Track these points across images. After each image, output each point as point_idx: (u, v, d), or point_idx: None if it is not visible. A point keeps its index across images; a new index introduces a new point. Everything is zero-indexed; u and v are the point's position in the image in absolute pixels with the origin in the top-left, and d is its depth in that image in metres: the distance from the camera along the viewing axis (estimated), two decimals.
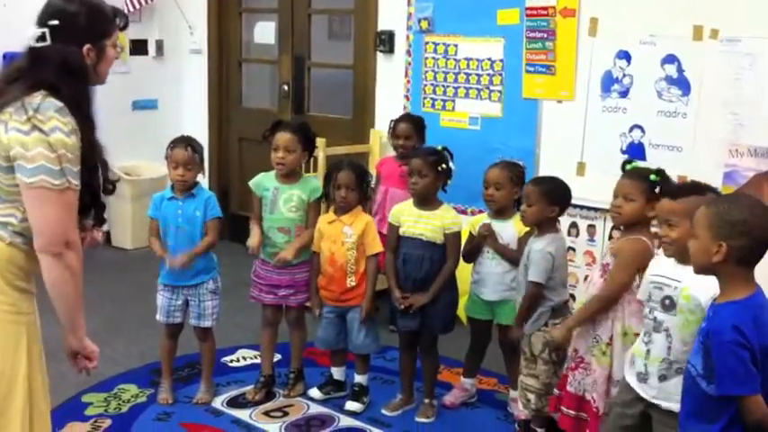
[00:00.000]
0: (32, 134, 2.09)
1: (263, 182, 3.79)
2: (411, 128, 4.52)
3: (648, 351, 2.57)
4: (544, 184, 3.33)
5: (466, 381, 3.81)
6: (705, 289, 2.38)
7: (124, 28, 2.31)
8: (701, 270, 2.21)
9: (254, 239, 3.70)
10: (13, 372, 2.18)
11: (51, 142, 2.08)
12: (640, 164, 3.25)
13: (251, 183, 3.83)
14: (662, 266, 2.61)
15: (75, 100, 2.17)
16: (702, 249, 2.14)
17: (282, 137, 3.69)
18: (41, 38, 2.18)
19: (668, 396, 2.52)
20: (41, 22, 2.19)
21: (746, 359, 2.04)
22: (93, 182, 2.24)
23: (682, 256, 2.50)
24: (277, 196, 3.72)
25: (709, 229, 2.11)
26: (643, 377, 2.60)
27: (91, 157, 2.21)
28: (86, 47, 2.20)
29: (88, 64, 2.22)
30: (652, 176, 2.91)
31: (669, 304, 2.52)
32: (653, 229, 2.89)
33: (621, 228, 3.11)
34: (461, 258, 3.64)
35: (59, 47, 2.18)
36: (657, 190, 2.84)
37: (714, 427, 2.12)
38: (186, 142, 3.64)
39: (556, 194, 3.29)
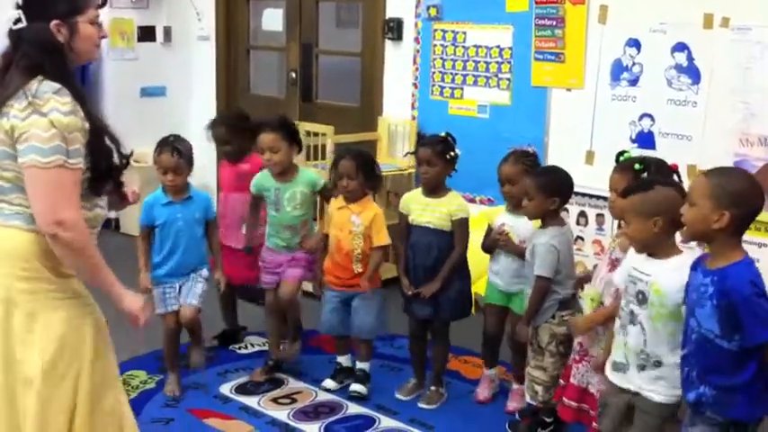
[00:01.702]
0: (30, 118, 2.12)
1: (263, 182, 3.78)
2: (224, 131, 4.13)
3: (626, 343, 2.62)
4: (541, 177, 3.28)
5: (489, 372, 3.76)
6: (672, 282, 2.48)
7: (102, 5, 2.31)
8: (695, 236, 2.37)
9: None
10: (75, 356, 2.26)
11: (46, 122, 2.10)
12: (635, 153, 3.23)
13: (251, 188, 3.82)
14: (636, 260, 2.64)
15: (62, 77, 2.18)
16: (701, 217, 2.27)
17: (264, 138, 3.67)
18: (18, 20, 2.21)
19: (646, 385, 2.58)
20: (17, 4, 2.22)
21: (767, 307, 2.23)
22: (103, 149, 2.25)
23: (642, 250, 2.59)
24: (279, 196, 3.72)
25: (711, 198, 2.26)
26: (622, 367, 2.64)
27: (94, 129, 2.21)
28: (54, 23, 2.20)
29: (60, 41, 2.22)
30: (636, 166, 2.89)
31: (642, 298, 2.57)
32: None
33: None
34: (480, 249, 3.63)
35: (32, 26, 2.20)
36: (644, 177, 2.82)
37: (740, 378, 2.29)
38: (172, 146, 3.58)
39: (554, 186, 3.24)
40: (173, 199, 3.62)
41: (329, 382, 3.80)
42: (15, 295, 2.20)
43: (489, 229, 3.59)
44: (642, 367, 2.58)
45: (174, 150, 3.57)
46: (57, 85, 2.15)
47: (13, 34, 2.22)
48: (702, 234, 2.32)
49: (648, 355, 2.56)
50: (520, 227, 3.46)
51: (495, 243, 3.52)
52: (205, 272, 3.72)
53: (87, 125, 2.19)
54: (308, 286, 4.06)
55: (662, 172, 2.87)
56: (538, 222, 3.36)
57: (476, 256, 3.69)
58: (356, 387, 3.71)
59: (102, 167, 2.26)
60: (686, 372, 2.41)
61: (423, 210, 3.57)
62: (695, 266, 2.41)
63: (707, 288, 2.29)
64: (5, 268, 2.20)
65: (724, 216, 2.23)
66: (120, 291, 2.31)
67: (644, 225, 2.53)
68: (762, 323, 2.22)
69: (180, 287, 3.68)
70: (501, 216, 3.56)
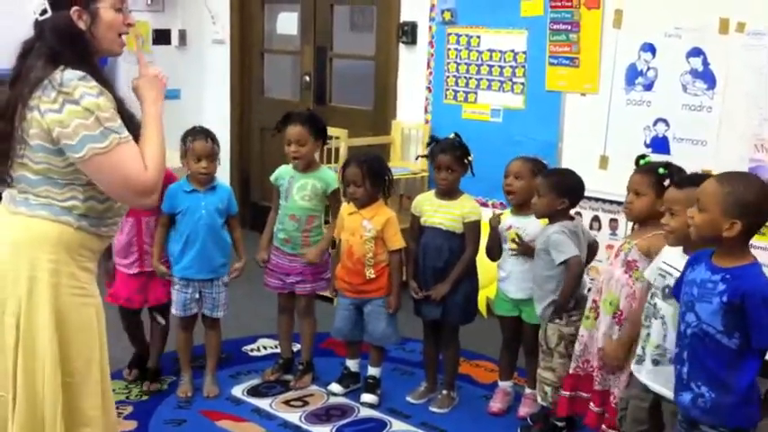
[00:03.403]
0: (65, 108, 2.11)
1: (281, 173, 3.81)
2: None
3: (648, 335, 2.63)
4: (554, 176, 3.32)
5: (504, 384, 3.70)
6: None
7: None
8: (704, 241, 2.32)
9: (261, 253, 3.83)
10: (90, 351, 2.26)
11: (84, 108, 2.11)
12: (654, 158, 3.23)
13: (271, 177, 3.85)
14: (671, 255, 2.63)
15: (83, 64, 2.18)
16: (711, 223, 2.24)
17: (292, 131, 3.69)
18: (44, 11, 2.21)
19: (657, 380, 2.58)
20: None
21: None
22: (132, 131, 2.26)
23: (683, 245, 2.57)
24: (292, 184, 3.74)
25: (722, 205, 2.22)
26: (640, 359, 2.66)
27: (122, 113, 2.22)
28: (74, 9, 2.20)
29: (81, 28, 2.22)
30: (660, 170, 2.89)
31: (668, 293, 2.56)
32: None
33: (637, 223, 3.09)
34: (485, 255, 3.62)
35: (55, 14, 2.20)
36: (666, 183, 2.81)
37: (736, 378, 2.26)
38: (206, 134, 3.61)
39: (565, 187, 3.27)
40: (197, 188, 3.61)
41: (335, 387, 3.79)
42: (40, 284, 2.20)
43: (491, 230, 3.57)
44: (656, 362, 2.58)
45: (208, 137, 3.60)
46: (80, 73, 2.15)
47: (38, 25, 2.23)
48: (710, 239, 2.29)
49: (665, 350, 2.56)
50: (528, 227, 3.46)
51: (499, 242, 3.51)
52: (226, 278, 3.71)
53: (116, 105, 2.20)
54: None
55: None
56: (545, 222, 3.38)
57: (486, 262, 3.68)
58: (367, 398, 3.69)
59: None
60: (678, 370, 2.38)
61: (435, 211, 3.57)
62: (696, 262, 2.37)
63: (716, 285, 2.26)
64: (31, 255, 2.19)
65: (735, 225, 2.21)
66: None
67: None
68: None
69: (200, 292, 3.67)
70: (507, 219, 3.55)
